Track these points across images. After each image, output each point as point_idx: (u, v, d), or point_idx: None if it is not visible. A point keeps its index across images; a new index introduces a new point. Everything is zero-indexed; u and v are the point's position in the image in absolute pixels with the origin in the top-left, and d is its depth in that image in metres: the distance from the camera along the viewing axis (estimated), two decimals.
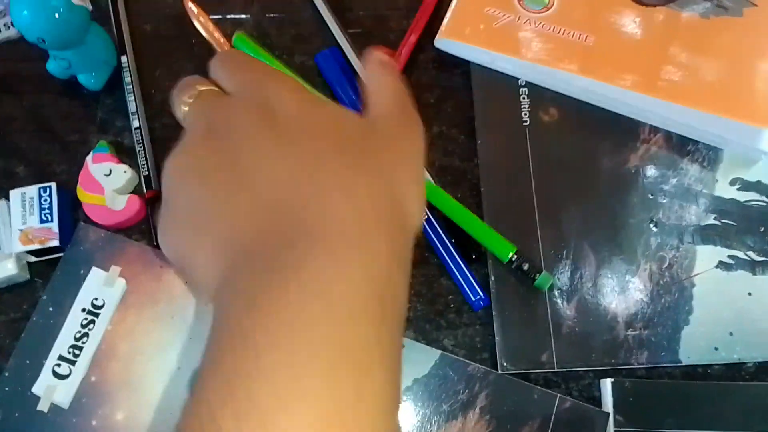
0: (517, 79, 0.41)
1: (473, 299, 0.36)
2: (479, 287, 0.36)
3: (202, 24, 0.43)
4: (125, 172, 0.38)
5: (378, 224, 0.20)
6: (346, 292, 0.18)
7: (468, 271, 0.36)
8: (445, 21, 0.42)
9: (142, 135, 0.40)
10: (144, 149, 0.39)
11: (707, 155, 0.38)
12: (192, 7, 0.44)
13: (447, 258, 0.36)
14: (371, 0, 0.45)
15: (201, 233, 0.21)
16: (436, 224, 0.37)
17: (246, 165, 0.21)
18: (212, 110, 0.24)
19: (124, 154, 0.40)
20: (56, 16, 0.35)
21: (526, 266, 0.35)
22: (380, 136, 0.23)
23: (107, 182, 0.38)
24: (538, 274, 0.35)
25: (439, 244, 0.37)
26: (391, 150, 0.23)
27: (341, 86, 0.41)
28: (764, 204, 0.37)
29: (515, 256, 0.35)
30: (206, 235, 0.21)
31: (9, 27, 0.43)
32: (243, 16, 0.44)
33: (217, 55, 0.27)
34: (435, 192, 0.37)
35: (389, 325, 0.19)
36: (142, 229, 0.38)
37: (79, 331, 0.36)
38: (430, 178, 0.39)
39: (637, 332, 0.35)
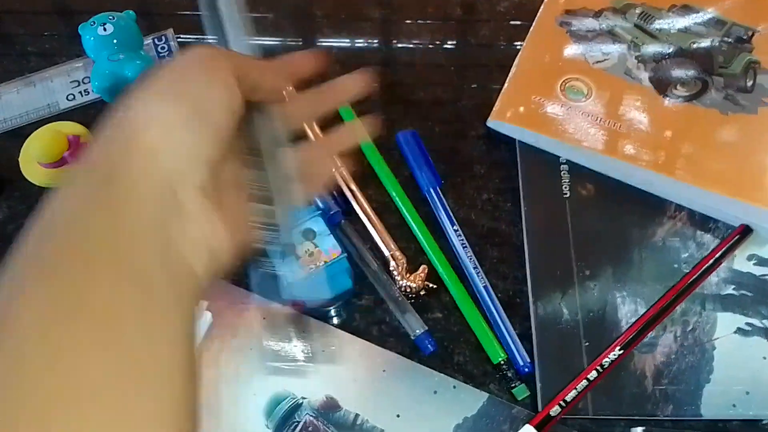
0: (558, 156, 0.47)
1: (521, 365, 0.40)
2: (525, 354, 0.40)
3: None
4: None
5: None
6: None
7: (514, 339, 0.41)
8: (496, 105, 0.48)
9: None
10: None
11: (726, 233, 0.43)
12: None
13: (500, 323, 0.41)
14: None
15: None
16: (491, 292, 0.42)
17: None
18: None
19: None
20: None
21: (510, 373, 0.40)
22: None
23: None
24: (517, 383, 0.39)
25: (494, 311, 0.42)
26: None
27: (417, 164, 0.47)
28: None
29: (504, 362, 0.40)
30: None
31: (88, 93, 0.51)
32: None
33: None
34: (458, 290, 0.42)
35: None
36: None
37: None
38: None
39: (663, 387, 0.39)
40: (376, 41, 0.55)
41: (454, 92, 0.52)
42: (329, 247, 0.42)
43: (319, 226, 0.43)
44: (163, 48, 0.52)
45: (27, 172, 0.47)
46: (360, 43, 0.55)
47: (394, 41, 0.55)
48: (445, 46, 0.55)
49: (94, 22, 0.48)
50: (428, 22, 0.56)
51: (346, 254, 0.42)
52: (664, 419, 0.38)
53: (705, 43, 0.51)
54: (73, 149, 0.46)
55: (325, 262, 0.42)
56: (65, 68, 0.52)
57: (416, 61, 0.54)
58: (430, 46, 0.54)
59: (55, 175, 0.47)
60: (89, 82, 0.50)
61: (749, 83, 0.48)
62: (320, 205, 0.44)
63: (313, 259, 0.41)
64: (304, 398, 0.39)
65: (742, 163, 0.44)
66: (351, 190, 0.46)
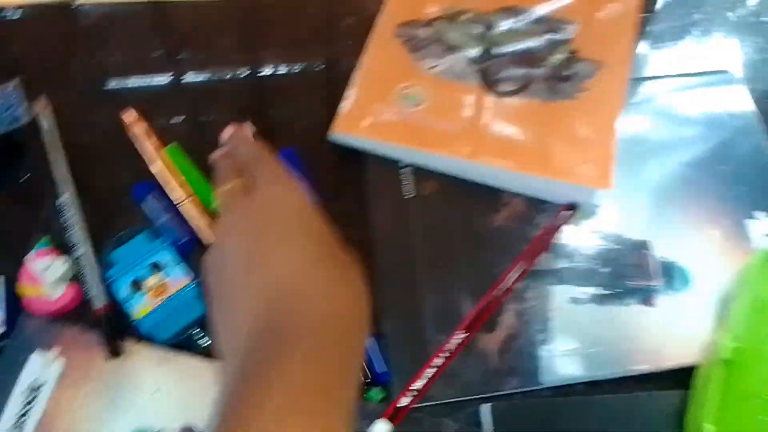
0: (399, 161, 0.49)
1: (378, 374, 0.41)
2: (383, 362, 0.41)
3: (138, 133, 0.50)
4: (63, 263, 0.44)
5: (344, 326, 0.28)
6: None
7: (376, 347, 0.42)
8: (338, 118, 0.50)
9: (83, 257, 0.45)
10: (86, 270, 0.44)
11: (557, 211, 0.47)
12: (130, 117, 0.50)
13: None
14: None
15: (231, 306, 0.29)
16: None
17: (259, 257, 0.29)
18: (234, 210, 0.33)
19: (63, 247, 0.45)
20: None
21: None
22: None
23: (47, 274, 0.43)
24: (371, 388, 0.40)
25: None
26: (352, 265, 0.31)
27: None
28: (606, 248, 0.45)
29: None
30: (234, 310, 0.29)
31: None
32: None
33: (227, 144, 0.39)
34: None
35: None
36: (78, 313, 0.43)
37: (21, 411, 0.40)
38: None
39: (507, 362, 0.41)
40: (227, 73, 0.56)
41: (301, 112, 0.54)
42: (179, 276, 0.42)
43: (166, 257, 0.43)
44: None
45: None
46: (217, 75, 0.56)
47: (244, 70, 0.57)
48: (294, 70, 0.57)
49: None
50: (274, 48, 0.58)
51: (197, 280, 0.43)
52: (510, 392, 0.40)
53: (529, 40, 0.54)
54: None
55: (176, 291, 0.42)
56: None
57: (265, 87, 0.55)
58: (280, 72, 0.56)
59: None
60: None
61: (568, 73, 0.52)
62: (169, 235, 0.45)
63: (162, 290, 0.42)
64: (162, 431, 0.39)
65: (562, 147, 0.48)
66: (195, 218, 0.46)
